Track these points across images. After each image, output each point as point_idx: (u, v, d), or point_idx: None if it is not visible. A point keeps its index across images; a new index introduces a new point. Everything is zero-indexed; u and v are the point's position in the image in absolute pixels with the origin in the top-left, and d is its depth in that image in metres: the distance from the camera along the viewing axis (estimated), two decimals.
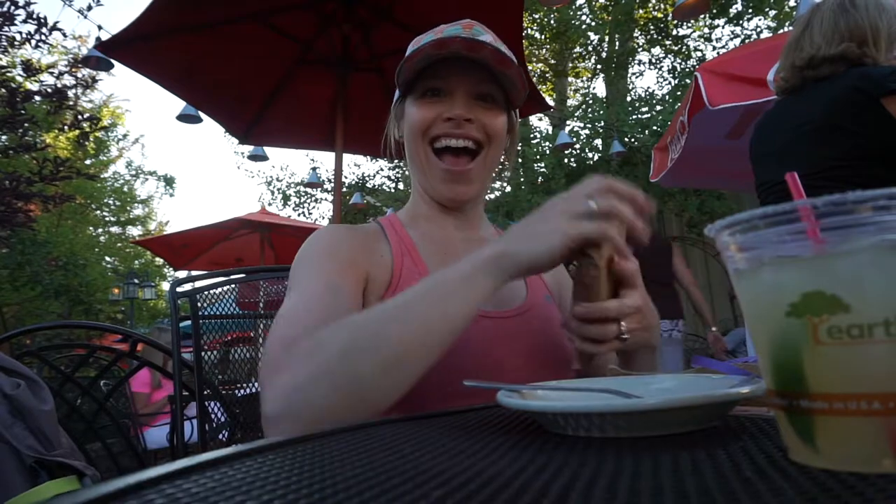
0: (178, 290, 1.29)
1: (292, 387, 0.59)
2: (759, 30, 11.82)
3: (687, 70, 11.85)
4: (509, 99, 0.92)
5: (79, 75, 7.94)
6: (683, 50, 12.57)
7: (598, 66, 13.19)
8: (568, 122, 11.08)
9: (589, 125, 10.78)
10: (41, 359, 1.61)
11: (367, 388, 0.58)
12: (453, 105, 0.87)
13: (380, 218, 0.99)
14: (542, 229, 0.62)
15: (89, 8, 6.66)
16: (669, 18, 12.04)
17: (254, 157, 6.94)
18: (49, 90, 7.20)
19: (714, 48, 12.36)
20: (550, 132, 10.94)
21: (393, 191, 12.66)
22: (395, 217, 0.97)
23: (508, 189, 11.12)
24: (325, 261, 0.80)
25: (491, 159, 0.92)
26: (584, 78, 13.97)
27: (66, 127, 7.93)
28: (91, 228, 17.12)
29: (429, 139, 0.88)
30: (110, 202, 18.45)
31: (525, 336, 0.85)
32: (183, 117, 4.96)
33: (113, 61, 3.72)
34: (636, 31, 12.52)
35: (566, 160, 10.71)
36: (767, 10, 11.47)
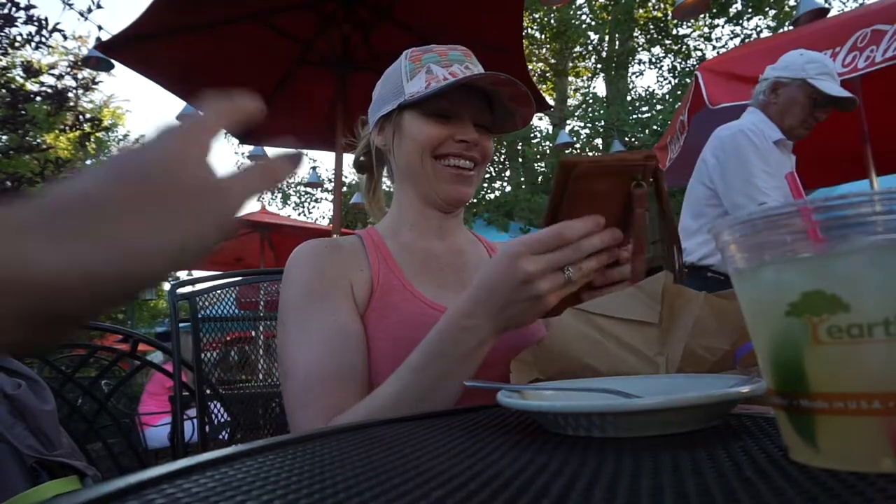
0: (178, 291, 1.29)
1: None
2: (759, 29, 11.82)
3: (687, 69, 11.86)
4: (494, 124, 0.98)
5: (79, 76, 7.94)
6: (683, 49, 12.57)
7: (599, 66, 13.19)
8: (568, 122, 11.09)
9: (589, 124, 10.79)
10: (42, 359, 1.61)
11: None
12: (464, 129, 0.91)
13: (359, 231, 1.01)
14: (524, 313, 0.67)
15: (89, 10, 6.66)
16: (669, 18, 12.03)
17: (254, 157, 6.94)
18: (49, 91, 7.21)
19: (714, 48, 12.36)
20: (551, 132, 10.95)
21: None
22: (373, 229, 1.01)
23: (508, 189, 11.13)
24: (315, 303, 0.84)
25: (480, 176, 0.98)
26: (585, 77, 13.97)
27: (67, 128, 7.93)
28: None
29: (436, 155, 0.93)
30: None
31: (508, 335, 0.86)
32: (183, 117, 4.96)
33: (113, 61, 3.72)
34: (636, 30, 12.52)
35: None
36: (767, 9, 11.47)
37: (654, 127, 9.51)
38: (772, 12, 11.61)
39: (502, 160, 11.76)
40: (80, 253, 0.25)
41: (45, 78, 7.60)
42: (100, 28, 8.20)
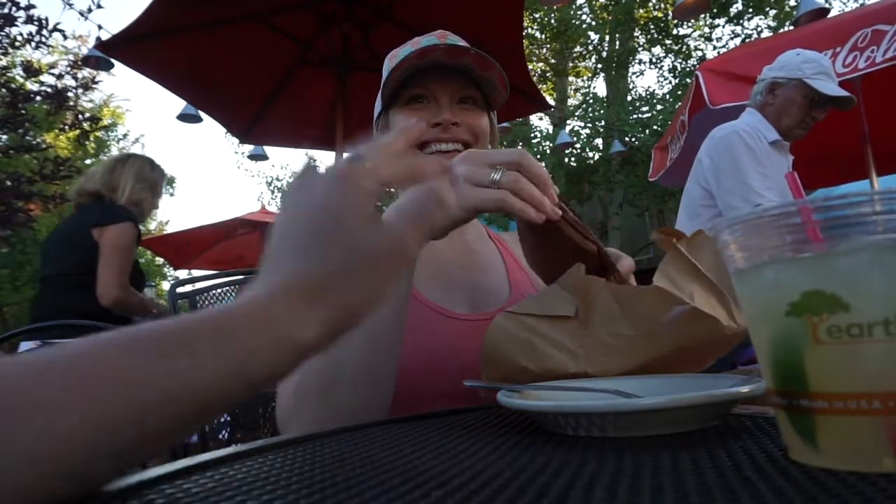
0: (178, 290, 1.29)
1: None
2: (759, 29, 11.83)
3: (687, 69, 11.86)
4: (488, 100, 0.94)
5: (79, 76, 7.94)
6: (684, 49, 12.57)
7: (599, 66, 13.19)
8: (568, 122, 11.09)
9: (589, 124, 10.79)
10: None
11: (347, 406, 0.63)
12: (439, 111, 0.88)
13: None
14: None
15: (89, 10, 6.65)
16: (670, 18, 12.03)
17: (254, 157, 6.94)
18: (49, 90, 7.21)
19: (714, 48, 12.36)
20: (551, 132, 10.95)
21: (393, 190, 12.67)
22: None
23: None
24: None
25: None
26: (585, 77, 13.98)
27: (66, 127, 7.95)
28: None
29: (420, 146, 0.89)
30: None
31: None
32: (183, 117, 4.95)
33: (113, 61, 3.72)
34: (636, 30, 12.52)
35: (567, 160, 10.71)
36: (768, 9, 11.47)
37: (655, 127, 9.51)
38: (772, 12, 11.62)
39: None
40: (326, 319, 0.33)
41: (44, 77, 7.61)
42: (100, 27, 8.19)
